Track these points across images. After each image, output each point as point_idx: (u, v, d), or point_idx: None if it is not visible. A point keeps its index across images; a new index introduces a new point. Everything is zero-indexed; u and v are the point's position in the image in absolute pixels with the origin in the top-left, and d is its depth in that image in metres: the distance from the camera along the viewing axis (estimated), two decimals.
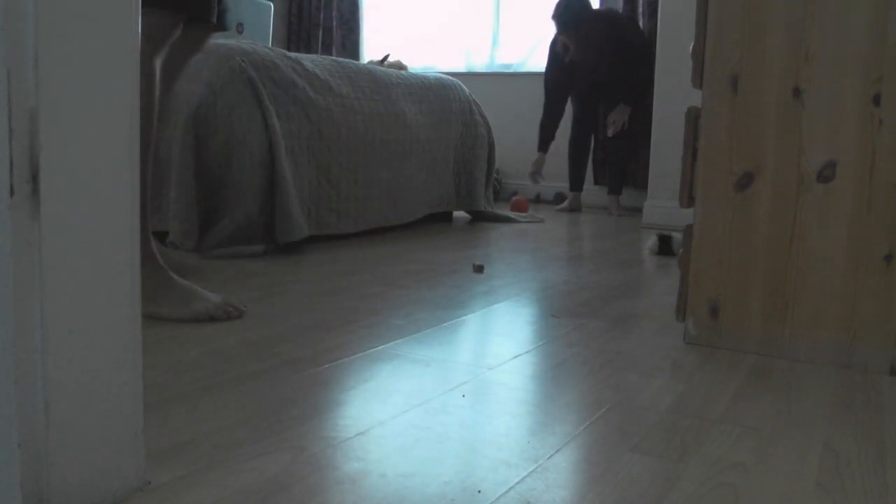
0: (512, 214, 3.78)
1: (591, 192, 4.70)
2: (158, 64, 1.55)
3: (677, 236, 2.76)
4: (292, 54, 2.75)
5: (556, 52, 4.25)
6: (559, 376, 1.28)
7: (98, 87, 0.73)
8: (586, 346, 1.37)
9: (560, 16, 4.07)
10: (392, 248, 2.73)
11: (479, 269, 2.27)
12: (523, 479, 0.88)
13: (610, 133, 4.32)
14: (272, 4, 3.76)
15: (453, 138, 3.52)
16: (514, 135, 5.05)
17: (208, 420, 1.03)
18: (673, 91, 3.81)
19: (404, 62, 3.97)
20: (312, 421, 1.04)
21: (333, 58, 3.01)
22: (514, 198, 4.22)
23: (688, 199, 1.51)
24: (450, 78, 3.67)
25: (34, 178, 0.69)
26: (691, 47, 1.51)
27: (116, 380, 0.77)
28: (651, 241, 2.84)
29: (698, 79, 1.48)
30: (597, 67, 4.18)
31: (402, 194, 3.13)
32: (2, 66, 0.65)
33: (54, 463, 0.72)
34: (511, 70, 5.17)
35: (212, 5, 1.69)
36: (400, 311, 1.70)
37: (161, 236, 2.43)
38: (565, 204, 4.51)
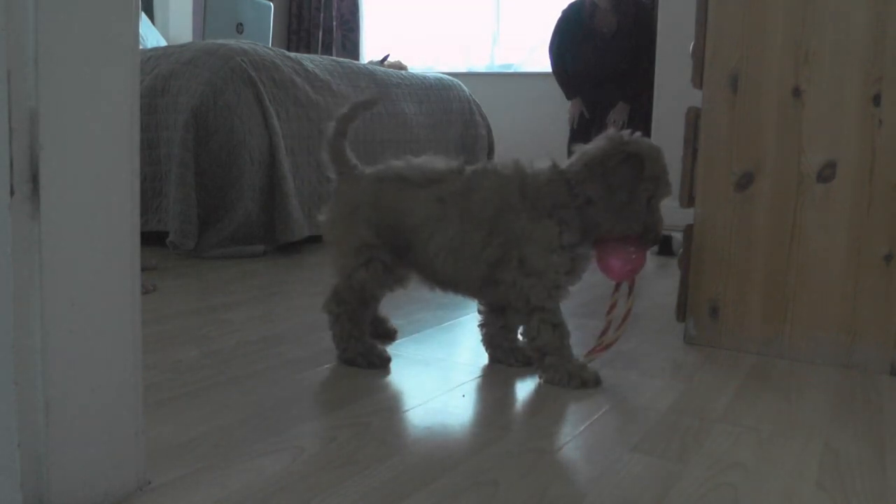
0: None
1: None
2: None
3: (677, 236, 2.76)
4: (292, 54, 2.75)
5: (581, 15, 4.21)
6: None
7: (98, 87, 0.73)
8: (587, 346, 1.37)
9: None
10: None
11: None
12: (523, 479, 0.88)
13: None
14: (272, 4, 3.76)
15: (453, 138, 3.52)
16: (513, 135, 5.05)
17: (208, 420, 1.03)
18: (673, 91, 3.80)
19: (404, 62, 3.97)
20: (312, 421, 1.04)
21: (333, 58, 3.00)
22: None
23: (688, 199, 1.51)
24: (450, 78, 3.67)
25: (34, 178, 0.69)
26: (691, 47, 1.51)
27: (116, 380, 0.77)
28: None
29: (698, 79, 1.48)
30: (612, 41, 4.16)
31: None
32: (2, 66, 0.65)
33: (54, 463, 0.72)
34: (511, 70, 5.17)
35: None
36: (400, 310, 1.70)
37: (161, 236, 2.43)
38: None
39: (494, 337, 1.35)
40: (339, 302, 1.30)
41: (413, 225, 1.25)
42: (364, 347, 1.30)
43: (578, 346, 1.46)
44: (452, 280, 1.29)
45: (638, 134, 1.22)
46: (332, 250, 1.33)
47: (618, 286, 1.33)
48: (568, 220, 1.21)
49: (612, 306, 1.33)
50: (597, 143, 1.22)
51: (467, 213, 1.23)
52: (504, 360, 1.34)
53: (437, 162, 1.30)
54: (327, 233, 1.35)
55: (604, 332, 1.33)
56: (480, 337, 1.37)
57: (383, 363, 1.30)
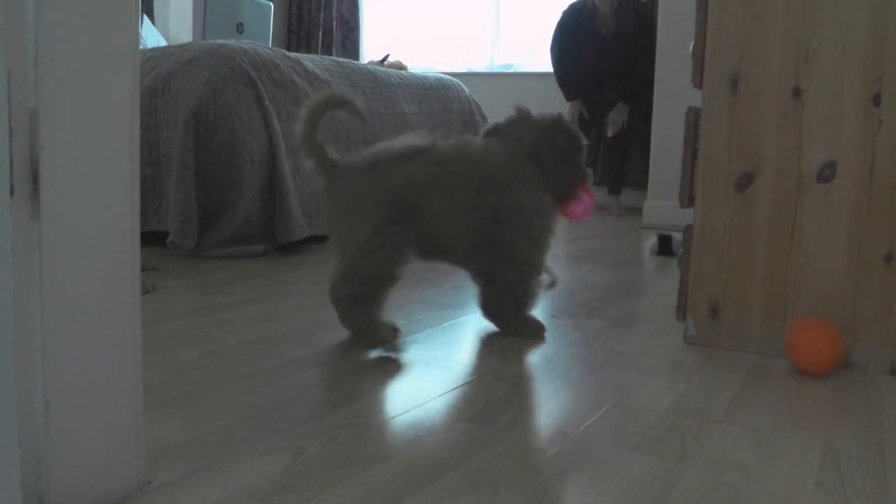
0: None
1: None
2: None
3: (677, 236, 2.76)
4: (292, 54, 2.75)
5: (581, 17, 4.20)
6: (559, 376, 1.28)
7: (98, 87, 0.73)
8: (587, 346, 1.37)
9: None
10: None
11: None
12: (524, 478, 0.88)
13: (609, 133, 4.32)
14: (272, 4, 3.76)
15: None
16: None
17: (208, 420, 1.03)
18: (673, 91, 3.81)
19: (404, 62, 3.97)
20: (312, 421, 1.04)
21: (333, 58, 3.00)
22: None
23: (688, 199, 1.51)
24: (450, 78, 3.67)
25: (34, 178, 0.69)
26: (691, 47, 1.51)
27: (116, 380, 0.77)
28: (651, 241, 2.84)
29: (698, 79, 1.48)
30: (612, 42, 4.16)
31: None
32: (2, 66, 0.65)
33: (54, 463, 0.72)
34: (511, 70, 5.17)
35: None
36: (400, 310, 1.70)
37: (161, 236, 2.43)
38: None
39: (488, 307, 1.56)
40: (359, 283, 1.39)
41: (414, 195, 1.40)
42: (380, 325, 1.41)
43: (579, 345, 1.47)
44: (450, 243, 1.45)
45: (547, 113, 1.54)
46: (343, 236, 1.40)
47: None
48: (542, 184, 1.49)
49: None
50: (541, 124, 1.52)
51: (458, 179, 1.41)
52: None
53: (415, 139, 1.48)
54: (333, 223, 1.43)
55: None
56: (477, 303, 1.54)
57: (396, 335, 1.42)
